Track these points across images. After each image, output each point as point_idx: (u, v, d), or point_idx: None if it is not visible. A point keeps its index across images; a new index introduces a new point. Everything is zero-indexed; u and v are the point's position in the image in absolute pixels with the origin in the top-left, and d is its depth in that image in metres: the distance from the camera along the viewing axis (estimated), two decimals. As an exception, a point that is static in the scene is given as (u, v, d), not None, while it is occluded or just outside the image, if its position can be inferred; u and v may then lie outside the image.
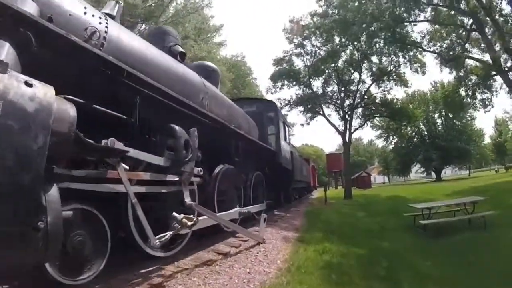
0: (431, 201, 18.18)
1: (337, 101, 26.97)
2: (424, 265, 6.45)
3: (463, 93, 29.18)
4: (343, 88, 26.68)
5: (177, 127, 4.60)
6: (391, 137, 58.52)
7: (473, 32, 22.90)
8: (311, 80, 27.03)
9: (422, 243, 8.69)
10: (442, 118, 55.98)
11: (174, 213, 4.20)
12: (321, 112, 27.29)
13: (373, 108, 27.00)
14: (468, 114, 44.11)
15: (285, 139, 13.03)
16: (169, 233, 4.09)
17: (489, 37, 21.45)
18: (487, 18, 20.48)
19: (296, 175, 15.62)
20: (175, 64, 6.02)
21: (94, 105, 3.53)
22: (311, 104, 26.94)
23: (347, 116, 26.37)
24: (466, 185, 27.11)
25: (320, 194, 27.66)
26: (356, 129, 27.17)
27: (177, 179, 4.64)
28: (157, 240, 3.93)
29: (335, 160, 54.69)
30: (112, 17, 4.71)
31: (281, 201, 14.27)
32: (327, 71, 27.08)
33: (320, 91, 27.48)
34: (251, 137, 8.92)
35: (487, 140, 65.06)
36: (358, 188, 41.78)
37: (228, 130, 7.09)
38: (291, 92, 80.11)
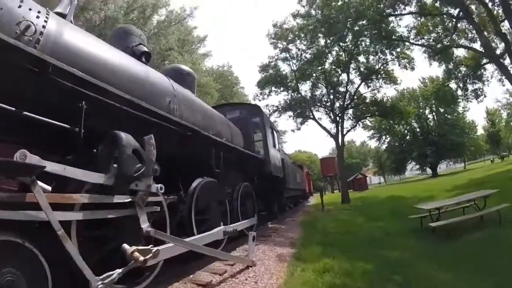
0: (433, 199, 17.64)
1: (327, 104, 26.21)
2: (444, 277, 5.49)
3: (453, 85, 28.85)
4: (331, 90, 25.94)
5: (122, 134, 3.63)
6: (384, 137, 58.47)
7: (460, 23, 22.37)
8: (298, 84, 26.26)
9: (433, 248, 7.71)
10: (433, 113, 55.60)
11: (124, 245, 3.25)
12: (311, 116, 26.47)
13: (364, 108, 26.25)
14: (461, 107, 43.48)
15: (274, 146, 12.15)
16: (117, 271, 3.10)
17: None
18: (474, 4, 19.98)
19: (289, 183, 14.70)
20: (136, 65, 5.22)
21: (25, 112, 3.00)
22: (300, 109, 26.09)
23: (338, 118, 25.61)
24: (465, 178, 26.37)
25: (317, 200, 26.75)
26: (348, 131, 26.45)
27: (129, 200, 3.66)
28: (100, 282, 2.94)
29: (329, 164, 54.04)
30: (64, 15, 4.27)
31: (275, 212, 13.33)
32: (314, 74, 26.36)
33: (309, 95, 26.72)
34: (233, 145, 7.99)
35: (480, 131, 64.54)
36: (354, 190, 40.92)
37: (203, 138, 6.15)
38: (279, 98, 79.89)
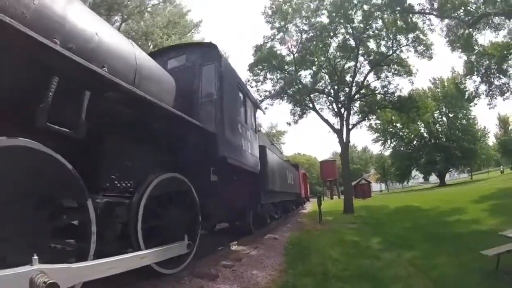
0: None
1: (330, 92, 21.80)
2: None
3: (477, 79, 24.84)
4: (336, 77, 21.50)
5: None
6: (389, 141, 54.20)
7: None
8: (298, 69, 21.79)
9: None
10: (443, 116, 51.18)
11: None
12: (311, 106, 22.05)
13: (375, 99, 21.78)
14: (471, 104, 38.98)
15: (245, 121, 7.81)
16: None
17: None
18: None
19: (274, 184, 10.39)
20: None
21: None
22: (299, 96, 21.71)
23: (343, 110, 21.25)
24: (491, 188, 22.46)
25: (314, 207, 22.32)
26: (354, 126, 21.92)
27: None
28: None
29: (330, 167, 49.89)
30: None
31: (248, 225, 9.04)
32: (316, 60, 21.95)
33: (309, 81, 22.32)
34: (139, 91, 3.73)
35: (491, 139, 59.96)
36: (356, 197, 36.34)
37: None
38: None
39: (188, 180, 5.34)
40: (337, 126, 21.22)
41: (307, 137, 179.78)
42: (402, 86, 25.20)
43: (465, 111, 49.57)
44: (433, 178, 65.93)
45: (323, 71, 22.53)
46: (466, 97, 26.71)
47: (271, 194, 10.18)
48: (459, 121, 49.91)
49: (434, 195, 26.61)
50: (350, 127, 20.82)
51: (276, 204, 12.72)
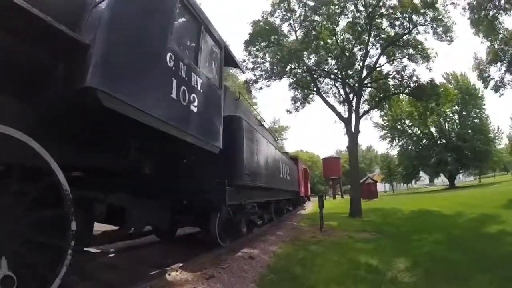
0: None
1: (337, 75, 18.63)
2: None
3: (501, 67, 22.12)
4: (344, 58, 18.32)
5: None
6: (397, 139, 51.15)
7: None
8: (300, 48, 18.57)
9: None
10: (455, 114, 47.96)
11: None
12: (315, 90, 18.92)
13: (388, 85, 18.59)
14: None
15: (197, 62, 4.75)
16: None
17: None
18: None
19: (254, 176, 7.38)
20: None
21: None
22: (301, 76, 18.61)
23: (351, 96, 18.15)
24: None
25: (314, 207, 19.26)
26: (366, 113, 18.75)
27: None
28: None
29: (333, 164, 46.86)
30: None
31: (213, 235, 6.07)
32: (322, 41, 18.75)
33: (312, 62, 19.15)
34: None
35: (503, 140, 56.54)
36: (362, 198, 33.20)
37: None
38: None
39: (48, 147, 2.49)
40: (345, 115, 18.15)
41: (310, 134, 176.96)
42: (418, 73, 21.37)
43: (478, 110, 46.66)
44: (439, 181, 63.21)
45: (330, 54, 19.35)
46: (491, 86, 23.66)
47: (248, 191, 7.19)
48: (471, 120, 46.80)
49: (450, 198, 23.56)
50: (360, 114, 17.70)
51: (263, 205, 9.59)
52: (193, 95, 4.47)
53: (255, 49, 19.25)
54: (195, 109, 4.55)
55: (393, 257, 6.73)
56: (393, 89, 18.56)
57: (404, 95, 18.58)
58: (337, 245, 7.94)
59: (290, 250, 7.21)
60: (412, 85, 17.50)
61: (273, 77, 18.62)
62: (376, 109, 20.04)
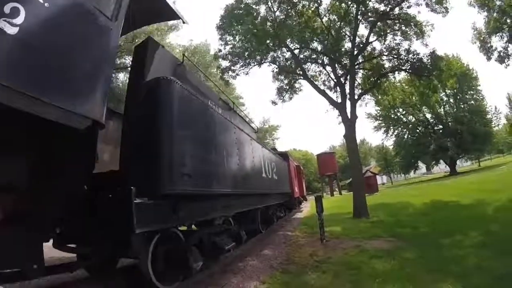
0: None
1: (326, 54, 16.14)
2: None
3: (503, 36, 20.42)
4: (331, 40, 15.91)
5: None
6: (391, 129, 49.18)
7: None
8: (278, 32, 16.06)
9: None
10: (449, 98, 45.90)
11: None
12: (301, 74, 16.48)
13: (382, 64, 16.23)
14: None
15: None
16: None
17: None
18: None
19: (206, 172, 4.84)
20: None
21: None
22: (285, 63, 16.22)
23: (342, 80, 15.76)
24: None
25: (312, 209, 16.77)
26: (363, 94, 16.29)
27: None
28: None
29: (328, 160, 44.40)
30: None
31: (144, 276, 3.70)
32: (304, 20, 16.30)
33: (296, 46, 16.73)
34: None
35: (502, 120, 54.67)
36: (362, 193, 30.88)
37: None
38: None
39: None
40: (338, 100, 15.76)
41: (302, 132, 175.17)
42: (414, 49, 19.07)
43: (473, 92, 44.69)
44: (436, 169, 61.38)
45: (315, 39, 16.90)
46: (494, 57, 21.45)
47: (196, 202, 4.71)
48: (467, 103, 44.80)
49: (459, 185, 21.37)
50: (356, 97, 15.30)
51: (240, 218, 7.08)
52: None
53: (231, 38, 16.82)
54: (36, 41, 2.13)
55: (432, 282, 4.33)
56: (389, 68, 16.20)
57: (403, 71, 16.10)
58: (346, 269, 5.48)
59: None
60: (410, 59, 15.14)
61: (251, 61, 16.16)
62: (372, 93, 17.61)
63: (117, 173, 3.96)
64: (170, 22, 32.74)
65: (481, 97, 45.28)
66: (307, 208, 23.42)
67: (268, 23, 16.07)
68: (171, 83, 4.04)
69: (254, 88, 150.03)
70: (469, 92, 44.92)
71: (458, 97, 45.10)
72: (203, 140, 4.97)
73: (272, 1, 16.95)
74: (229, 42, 16.97)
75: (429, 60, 15.18)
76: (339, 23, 16.48)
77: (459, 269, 5.01)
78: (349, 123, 14.54)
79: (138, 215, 3.31)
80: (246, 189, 6.58)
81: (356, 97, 15.18)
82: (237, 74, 16.64)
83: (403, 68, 15.60)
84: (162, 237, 4.25)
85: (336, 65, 16.04)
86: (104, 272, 5.23)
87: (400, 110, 47.41)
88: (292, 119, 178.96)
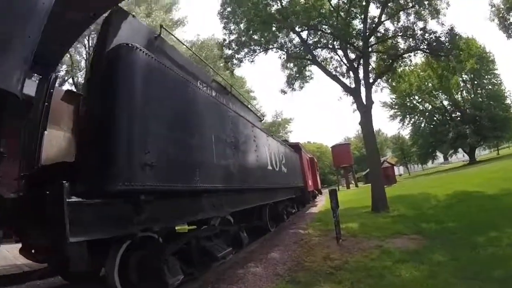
0: None
1: (337, 36, 15.02)
2: None
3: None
4: (341, 21, 14.81)
5: None
6: (408, 118, 47.57)
7: None
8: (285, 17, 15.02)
9: None
10: (467, 83, 43.96)
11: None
12: (311, 58, 15.45)
13: (400, 43, 15.08)
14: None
15: None
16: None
17: None
18: None
19: (186, 162, 4.00)
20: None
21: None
22: (293, 50, 15.25)
23: (355, 64, 14.68)
24: None
25: (327, 203, 15.76)
26: (379, 77, 15.12)
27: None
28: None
29: (343, 152, 43.14)
30: None
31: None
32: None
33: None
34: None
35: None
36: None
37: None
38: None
39: None
40: (352, 85, 14.73)
41: (316, 125, 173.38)
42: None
43: (490, 76, 42.68)
44: (454, 158, 59.32)
45: (324, 21, 15.81)
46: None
47: (173, 199, 3.86)
48: (485, 88, 42.86)
49: (481, 174, 19.85)
50: (371, 80, 14.23)
51: (243, 216, 6.12)
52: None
53: (236, 26, 15.91)
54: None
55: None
56: (405, 49, 15.05)
57: (420, 52, 14.86)
58: (366, 277, 4.55)
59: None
60: (427, 37, 13.98)
61: (257, 48, 15.22)
62: (387, 77, 16.41)
63: (73, 165, 3.13)
64: (176, 17, 32.41)
65: (499, 81, 43.37)
66: (322, 202, 22.40)
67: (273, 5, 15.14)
68: (133, 50, 3.16)
69: (266, 83, 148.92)
70: (486, 77, 42.99)
71: (475, 82, 43.22)
72: (180, 123, 4.03)
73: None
74: (233, 32, 16.10)
75: (447, 39, 14.02)
76: (348, 4, 15.40)
77: (503, 274, 4.06)
78: (365, 109, 13.46)
79: (74, 219, 2.47)
80: (245, 183, 5.64)
81: (371, 80, 14.10)
82: (241, 61, 15.71)
83: (420, 48, 14.42)
84: (138, 243, 3.43)
85: (348, 49, 14.96)
86: (84, 280, 4.45)
87: (416, 97, 45.91)
88: (306, 112, 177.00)
